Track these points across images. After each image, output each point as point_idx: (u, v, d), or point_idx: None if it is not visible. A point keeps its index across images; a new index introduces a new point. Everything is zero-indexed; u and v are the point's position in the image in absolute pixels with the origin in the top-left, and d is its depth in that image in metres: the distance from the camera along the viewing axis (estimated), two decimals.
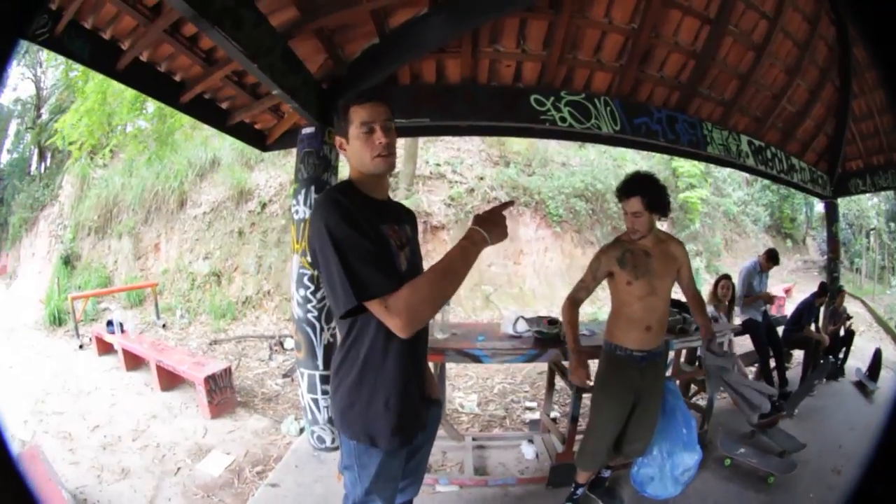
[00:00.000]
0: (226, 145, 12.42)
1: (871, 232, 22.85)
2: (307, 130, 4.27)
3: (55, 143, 11.22)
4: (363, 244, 1.69)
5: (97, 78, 8.80)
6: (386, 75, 4.28)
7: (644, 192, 3.02)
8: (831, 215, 8.88)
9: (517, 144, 14.30)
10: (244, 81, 4.50)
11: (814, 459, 4.65)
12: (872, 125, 8.12)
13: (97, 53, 3.75)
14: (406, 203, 12.43)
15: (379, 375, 1.88)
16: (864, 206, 21.72)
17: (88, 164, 13.51)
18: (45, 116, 19.06)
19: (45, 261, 13.38)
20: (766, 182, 21.98)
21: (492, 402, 6.13)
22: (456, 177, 12.85)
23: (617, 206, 13.33)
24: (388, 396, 1.89)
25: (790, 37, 6.28)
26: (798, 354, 7.42)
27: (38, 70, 19.50)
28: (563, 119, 4.96)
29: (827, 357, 7.17)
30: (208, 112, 4.85)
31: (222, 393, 5.81)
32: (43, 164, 18.92)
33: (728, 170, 19.74)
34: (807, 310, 7.05)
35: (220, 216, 11.80)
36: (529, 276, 12.42)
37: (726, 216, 20.95)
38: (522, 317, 4.19)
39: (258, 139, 5.47)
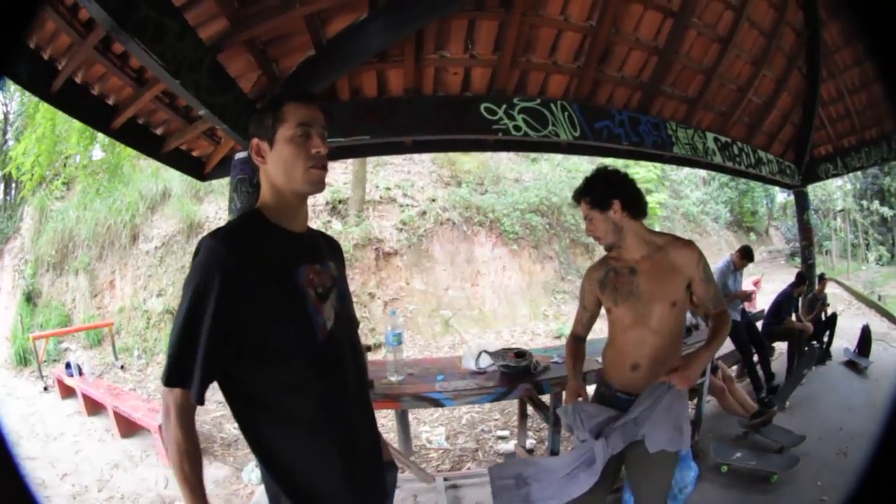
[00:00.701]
0: (175, 176, 12.17)
1: (839, 214, 23.62)
2: (240, 155, 3.98)
3: (10, 173, 11.14)
4: (203, 329, 1.36)
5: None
6: (324, 88, 3.97)
7: (586, 191, 2.49)
8: (801, 203, 8.92)
9: (468, 163, 14.40)
10: (176, 104, 4.09)
11: (815, 447, 4.60)
12: (842, 107, 8.23)
13: (35, 74, 3.39)
14: (356, 231, 11.95)
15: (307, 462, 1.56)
16: (829, 190, 22.34)
17: (47, 195, 13.19)
18: (10, 143, 18.58)
19: (10, 296, 13.07)
20: (724, 179, 24.04)
21: (461, 434, 5.93)
22: (407, 200, 12.82)
23: (574, 217, 13.54)
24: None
25: (756, 26, 6.16)
26: (780, 346, 7.41)
27: (3, 94, 18.75)
28: (517, 128, 4.71)
29: (811, 344, 7.20)
30: (142, 138, 4.38)
31: None
32: (8, 195, 18.24)
33: (685, 172, 21.35)
34: (786, 301, 7.08)
35: (171, 251, 11.59)
36: (489, 297, 12.34)
37: (685, 217, 21.56)
38: (485, 350, 3.92)
39: (196, 168, 5.02)
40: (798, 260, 23.39)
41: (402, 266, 11.46)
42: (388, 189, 12.78)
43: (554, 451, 3.76)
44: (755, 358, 6.26)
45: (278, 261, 1.51)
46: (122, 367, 9.87)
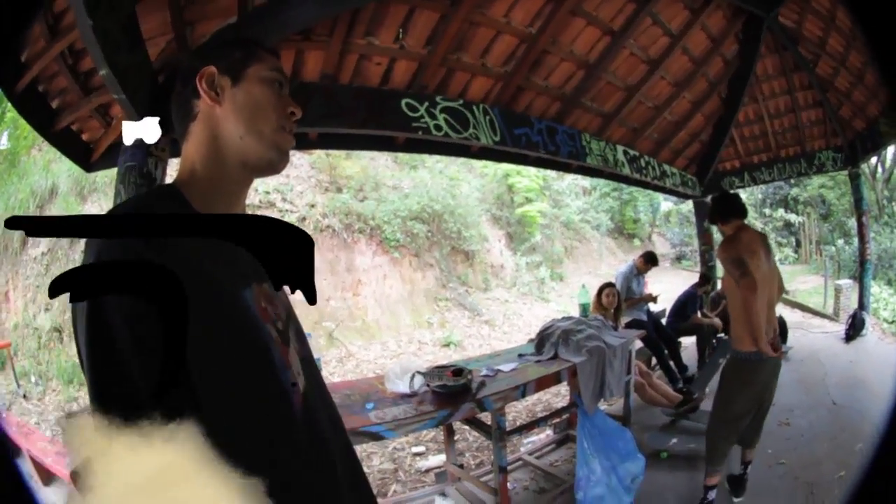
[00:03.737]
0: (63, 171, 11.32)
1: None
2: None
3: None
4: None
5: None
6: None
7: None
8: (701, 212, 10.18)
9: (349, 168, 14.51)
10: (79, 67, 3.97)
11: None
12: (758, 128, 9.83)
13: None
14: None
15: None
16: None
17: None
18: None
19: None
20: (606, 189, 26.65)
21: (374, 455, 6.02)
22: (286, 205, 12.74)
23: (455, 225, 14.45)
24: None
25: (687, 52, 6.98)
26: (686, 341, 8.23)
27: None
28: (438, 127, 4.94)
29: (719, 337, 8.07)
30: (37, 109, 4.08)
31: None
32: None
33: (567, 181, 23.26)
34: (690, 300, 7.94)
35: (56, 258, 10.75)
36: (371, 307, 12.59)
37: (565, 226, 23.06)
38: (418, 371, 3.77)
39: (83, 154, 4.59)
40: (685, 263, 25.80)
41: None
42: (268, 193, 12.65)
43: (502, 467, 3.82)
44: (665, 353, 6.99)
45: (215, 275, 0.99)
46: (24, 395, 9.08)
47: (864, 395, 5.94)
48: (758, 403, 3.91)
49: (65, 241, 10.78)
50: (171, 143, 3.54)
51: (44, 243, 10.93)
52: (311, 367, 1.23)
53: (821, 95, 8.61)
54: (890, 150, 18.88)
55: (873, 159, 19.22)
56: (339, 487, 1.16)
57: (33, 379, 9.57)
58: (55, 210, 11.20)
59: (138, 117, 3.33)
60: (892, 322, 11.26)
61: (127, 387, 0.82)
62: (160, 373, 0.81)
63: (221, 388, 0.91)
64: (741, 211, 4.04)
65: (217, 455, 0.79)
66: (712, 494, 3.98)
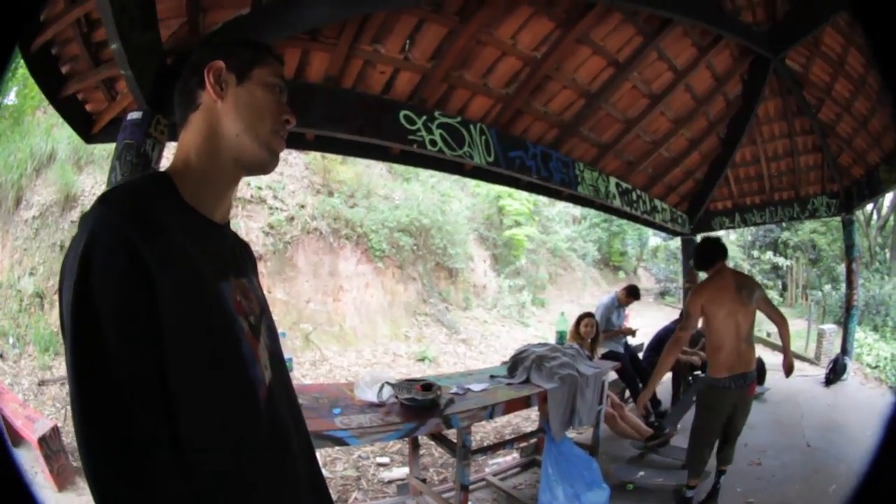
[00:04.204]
0: (64, 136, 11.30)
1: None
2: (133, 116, 3.64)
3: None
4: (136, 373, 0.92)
5: None
6: None
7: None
8: (689, 250, 10.33)
9: (343, 173, 14.58)
10: (92, 38, 3.90)
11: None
12: (754, 170, 9.93)
13: None
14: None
15: None
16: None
17: None
18: None
19: None
20: (596, 220, 27.16)
21: (338, 461, 5.97)
22: (277, 203, 12.73)
23: (442, 241, 14.63)
24: None
25: (690, 90, 7.08)
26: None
27: None
28: (433, 142, 4.99)
29: (695, 374, 8.09)
30: (47, 71, 4.14)
31: (57, 459, 5.20)
32: None
33: (557, 209, 23.77)
34: (669, 336, 7.80)
35: (46, 223, 10.63)
36: (350, 314, 12.59)
37: (552, 252, 23.32)
38: (388, 382, 3.79)
39: (85, 124, 4.64)
40: (668, 298, 26.09)
41: (265, 273, 11.33)
42: (260, 188, 12.62)
43: (464, 485, 3.82)
44: (639, 386, 6.97)
45: (199, 269, 1.07)
46: (0, 355, 8.90)
47: (840, 438, 6.02)
48: (721, 423, 4.40)
49: (56, 208, 10.75)
50: (170, 126, 3.59)
51: (36, 207, 10.88)
52: (279, 364, 1.29)
53: (821, 141, 8.69)
54: (887, 197, 19.68)
55: (868, 206, 19.68)
56: (299, 483, 1.22)
57: (11, 340, 9.47)
58: (52, 175, 11.22)
59: (142, 96, 3.49)
60: (875, 367, 11.47)
61: (103, 357, 0.89)
62: (135, 347, 0.92)
63: (190, 372, 0.99)
64: (720, 255, 4.49)
65: (182, 437, 0.96)
66: (690, 493, 4.51)
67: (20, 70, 8.83)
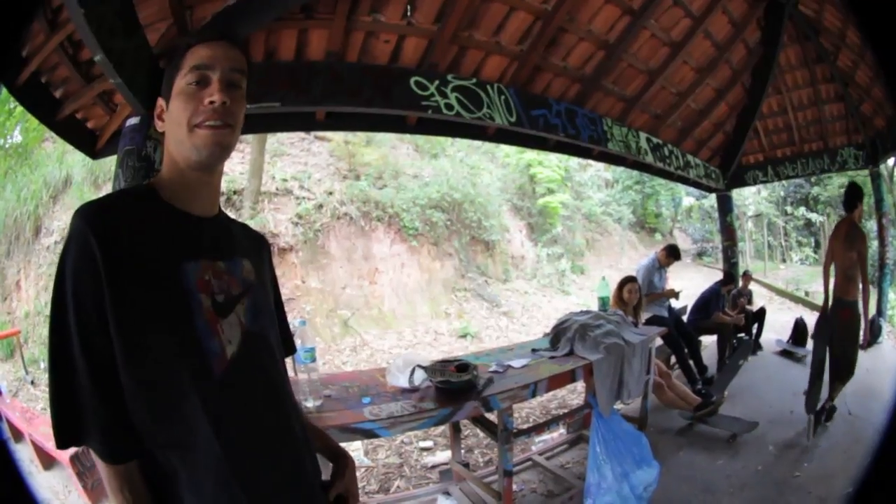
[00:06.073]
0: (78, 161, 11.60)
1: (755, 218, 27.01)
2: (131, 121, 3.64)
3: None
4: (84, 341, 1.15)
5: None
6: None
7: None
8: (725, 206, 10.23)
9: (368, 155, 14.48)
10: (79, 57, 3.87)
11: (771, 431, 5.21)
12: (782, 121, 9.66)
13: None
14: (251, 224, 11.81)
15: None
16: (743, 195, 24.92)
17: None
18: None
19: None
20: (628, 182, 27.28)
21: (380, 448, 5.87)
22: (304, 192, 12.71)
23: (476, 214, 14.69)
24: None
25: (710, 37, 6.79)
26: (706, 340, 8.12)
27: None
28: (449, 106, 4.80)
29: (740, 337, 8.15)
30: (40, 99, 4.12)
31: (91, 474, 5.18)
32: None
33: (589, 174, 23.68)
34: (714, 298, 7.84)
35: None
36: (388, 296, 12.53)
37: (587, 218, 23.22)
38: (419, 365, 3.49)
39: (88, 141, 4.64)
40: (706, 259, 26.02)
41: (297, 263, 11.46)
42: (285, 180, 12.64)
43: (507, 471, 3.59)
44: (685, 352, 6.82)
45: (159, 251, 1.25)
46: (31, 382, 9.19)
47: (878, 405, 5.64)
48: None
49: None
50: None
51: (56, 232, 11.07)
52: (256, 344, 1.37)
53: (842, 89, 8.38)
54: None
55: (891, 161, 18.85)
56: (259, 463, 1.29)
57: (42, 365, 9.64)
58: (68, 200, 11.43)
59: (136, 101, 3.47)
60: None
61: (64, 320, 1.16)
62: (85, 314, 1.16)
63: (139, 331, 1.17)
64: (847, 204, 5.44)
65: (130, 396, 1.17)
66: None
67: (17, 108, 8.84)
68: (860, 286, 5.27)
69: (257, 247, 1.54)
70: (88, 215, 1.19)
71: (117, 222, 1.20)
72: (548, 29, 5.11)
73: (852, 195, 5.38)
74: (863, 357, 5.93)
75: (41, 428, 5.92)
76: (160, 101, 1.39)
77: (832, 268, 5.38)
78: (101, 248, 1.15)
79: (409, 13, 4.48)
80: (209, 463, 1.19)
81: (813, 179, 23.92)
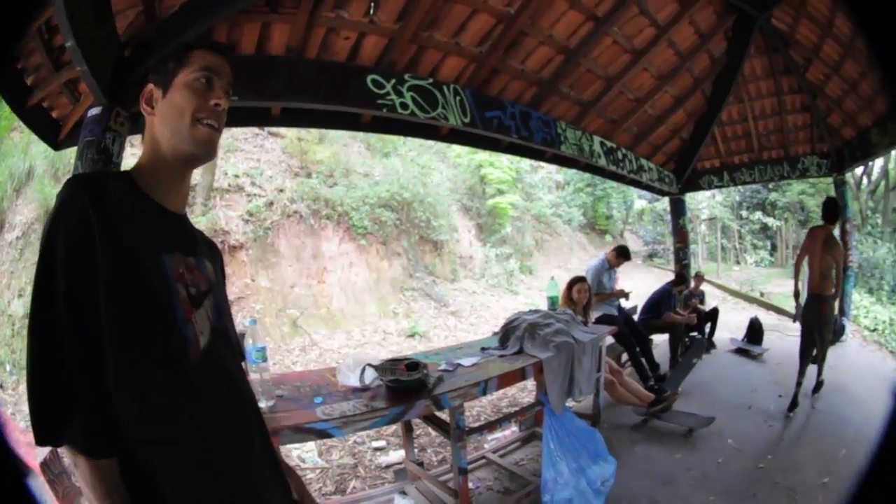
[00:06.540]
0: (41, 152, 11.29)
1: (708, 221, 27.77)
2: (93, 112, 3.60)
3: None
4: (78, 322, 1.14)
5: None
6: (200, 32, 3.64)
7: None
8: (677, 210, 10.56)
9: (320, 153, 14.46)
10: (53, 43, 3.76)
11: (729, 426, 5.36)
12: (741, 129, 10.03)
13: None
14: (203, 221, 11.47)
15: None
16: (697, 200, 25.64)
17: None
18: None
19: None
20: (579, 185, 27.72)
21: (334, 449, 5.80)
22: (255, 189, 12.63)
23: (424, 214, 14.68)
24: None
25: (673, 46, 6.97)
26: (658, 339, 8.36)
27: None
28: (404, 105, 4.85)
29: (692, 335, 8.41)
30: (13, 83, 4.05)
31: (60, 482, 5.08)
32: None
33: (540, 175, 24.01)
34: (665, 298, 8.04)
35: (29, 242, 10.51)
36: (336, 295, 12.49)
37: (537, 219, 23.47)
38: (370, 364, 3.50)
39: (52, 131, 4.60)
40: (657, 260, 26.48)
41: (247, 261, 11.35)
42: (237, 177, 12.53)
43: (462, 468, 3.60)
44: (637, 350, 6.93)
45: (141, 236, 1.28)
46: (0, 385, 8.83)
47: (845, 401, 5.98)
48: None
49: (38, 225, 10.72)
50: (130, 118, 3.57)
51: (18, 227, 10.86)
52: (223, 340, 1.43)
53: (810, 100, 8.66)
54: (878, 162, 20.25)
55: (859, 169, 20.07)
56: (231, 447, 1.35)
57: (8, 368, 9.40)
58: (31, 193, 11.24)
59: (99, 90, 3.48)
60: (874, 330, 11.57)
61: (51, 286, 1.15)
62: (75, 281, 1.15)
63: (131, 321, 1.20)
64: (826, 217, 6.13)
65: (114, 375, 1.16)
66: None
67: None
68: (834, 284, 6.03)
69: (212, 253, 1.59)
70: (85, 183, 1.24)
71: (111, 197, 1.23)
72: (509, 32, 5.17)
73: (834, 209, 6.15)
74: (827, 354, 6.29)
75: (13, 433, 5.76)
76: (152, 89, 1.40)
77: (805, 266, 6.28)
78: (97, 216, 1.17)
79: (372, 10, 4.48)
80: (191, 454, 1.24)
81: (771, 185, 24.73)
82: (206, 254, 1.52)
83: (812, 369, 6.06)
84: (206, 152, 1.40)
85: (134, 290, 1.21)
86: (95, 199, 1.19)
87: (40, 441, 1.16)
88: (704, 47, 7.35)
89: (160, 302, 1.25)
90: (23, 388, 8.50)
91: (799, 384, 5.83)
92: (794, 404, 5.77)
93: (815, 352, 6.04)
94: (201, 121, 1.36)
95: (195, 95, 1.36)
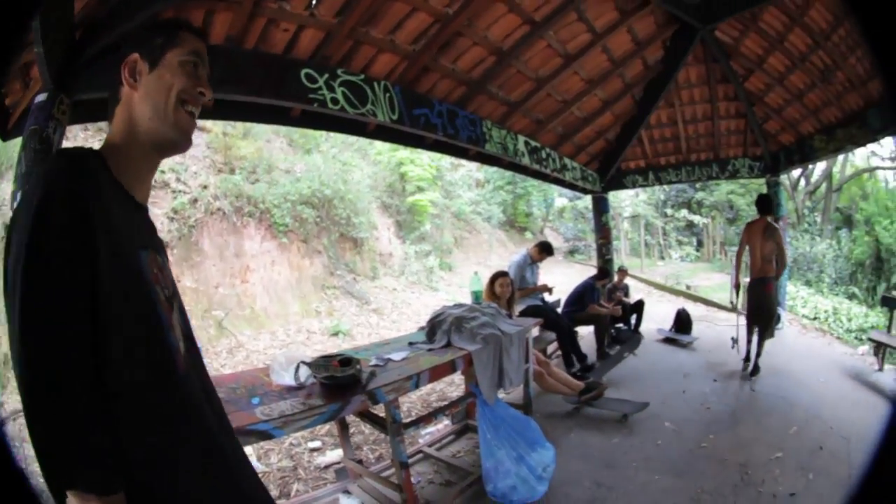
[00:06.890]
0: None
1: (631, 219, 28.47)
2: (39, 98, 3.45)
3: None
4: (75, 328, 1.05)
5: None
6: (149, 15, 3.52)
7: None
8: (600, 207, 11.11)
9: (244, 148, 14.21)
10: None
11: (665, 410, 5.58)
12: (670, 132, 10.48)
13: None
14: None
15: None
16: (620, 198, 26.27)
17: None
18: None
19: None
20: (499, 183, 27.98)
21: (272, 452, 5.68)
22: (180, 186, 12.22)
23: (345, 211, 14.73)
24: None
25: (607, 52, 7.22)
26: (583, 331, 8.54)
27: None
28: (335, 101, 4.86)
29: (617, 327, 8.90)
30: None
31: None
32: None
33: (460, 173, 24.21)
34: (588, 291, 8.32)
35: None
36: (259, 295, 12.31)
37: (456, 216, 23.67)
38: (303, 361, 3.46)
39: (2, 121, 4.25)
40: (578, 256, 27.01)
41: (172, 260, 10.80)
42: (163, 172, 11.94)
43: (403, 463, 3.61)
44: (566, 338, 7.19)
45: (123, 230, 1.19)
46: None
47: (788, 383, 6.28)
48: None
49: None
50: (72, 106, 3.47)
51: None
52: (191, 344, 1.39)
53: (746, 108, 9.08)
54: (820, 166, 22.33)
55: (795, 172, 21.71)
56: (228, 462, 1.33)
57: None
58: None
59: (48, 74, 3.37)
60: (815, 318, 12.57)
61: (47, 294, 1.03)
62: (74, 291, 1.05)
63: (120, 326, 1.11)
64: (762, 210, 6.92)
65: (108, 379, 1.07)
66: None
67: None
68: (776, 267, 6.76)
69: (161, 244, 1.47)
70: (78, 166, 1.14)
71: (101, 185, 1.17)
72: (445, 31, 5.25)
73: (769, 202, 7.06)
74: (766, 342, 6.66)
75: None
76: (138, 60, 1.31)
77: (746, 254, 7.10)
78: (93, 209, 1.10)
79: (313, 3, 4.46)
80: (192, 475, 1.21)
81: (698, 185, 26.06)
82: (163, 249, 1.44)
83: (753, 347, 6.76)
84: (184, 141, 1.36)
85: (125, 293, 1.14)
86: (94, 190, 1.12)
87: (57, 487, 1.02)
88: (639, 54, 7.63)
89: (148, 307, 1.20)
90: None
91: (750, 351, 6.73)
92: (755, 369, 6.60)
93: (756, 330, 6.74)
94: (185, 105, 1.32)
95: (187, 76, 1.33)
